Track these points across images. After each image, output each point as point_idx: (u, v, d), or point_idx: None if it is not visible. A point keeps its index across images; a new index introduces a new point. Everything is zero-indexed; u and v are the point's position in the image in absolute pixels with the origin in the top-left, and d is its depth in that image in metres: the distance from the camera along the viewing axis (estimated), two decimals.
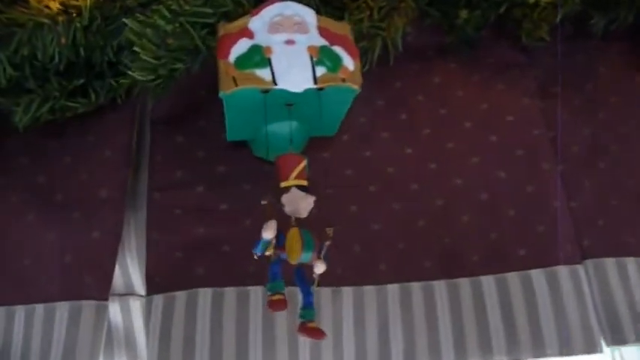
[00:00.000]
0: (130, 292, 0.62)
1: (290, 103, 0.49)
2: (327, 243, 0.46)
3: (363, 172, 0.62)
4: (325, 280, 0.48)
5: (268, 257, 0.47)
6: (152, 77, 0.50)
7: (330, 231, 0.46)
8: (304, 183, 0.47)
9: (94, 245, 0.55)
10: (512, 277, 0.56)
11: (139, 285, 0.62)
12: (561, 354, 0.53)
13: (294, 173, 0.46)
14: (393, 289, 0.57)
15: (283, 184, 0.46)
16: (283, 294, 0.45)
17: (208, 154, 0.61)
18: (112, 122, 0.61)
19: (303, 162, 0.46)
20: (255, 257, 0.46)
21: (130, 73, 0.49)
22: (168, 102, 0.63)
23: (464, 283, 0.57)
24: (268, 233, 0.44)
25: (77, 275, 0.54)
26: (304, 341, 0.54)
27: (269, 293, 0.45)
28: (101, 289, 0.54)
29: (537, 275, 0.56)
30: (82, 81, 0.56)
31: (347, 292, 0.57)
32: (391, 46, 0.61)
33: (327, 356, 0.55)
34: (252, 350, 0.53)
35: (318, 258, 0.45)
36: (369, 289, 0.57)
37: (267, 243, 0.45)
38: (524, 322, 0.55)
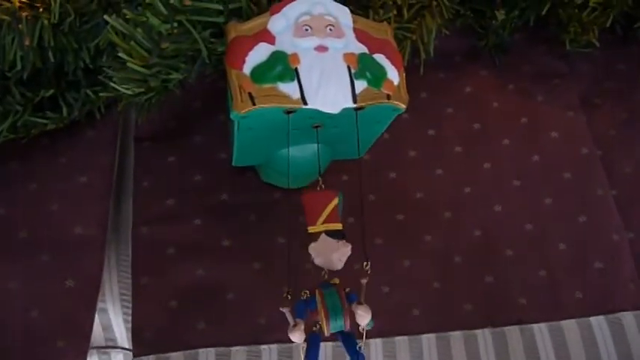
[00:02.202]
0: (111, 345, 0.52)
1: (318, 124, 0.39)
2: (364, 281, 0.36)
3: (388, 198, 0.53)
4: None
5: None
6: (141, 90, 0.40)
7: (367, 266, 0.37)
8: (338, 227, 0.37)
9: (67, 297, 0.45)
10: (570, 325, 0.48)
11: (123, 337, 0.51)
12: None
13: (323, 216, 0.36)
14: (429, 339, 0.49)
15: (311, 230, 0.37)
16: None
17: (206, 179, 0.51)
18: (88, 141, 0.50)
19: (334, 200, 0.37)
20: None
21: (112, 85, 0.39)
22: (156, 114, 0.52)
23: (512, 332, 0.49)
24: (296, 338, 0.36)
25: (46, 337, 0.44)
26: None
27: None
28: (77, 354, 0.44)
29: (599, 323, 0.48)
30: (51, 92, 0.46)
31: (375, 344, 0.48)
32: (423, 52, 0.52)
33: None
34: None
35: (359, 304, 0.36)
36: (402, 340, 0.49)
37: None
38: None
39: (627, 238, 0.52)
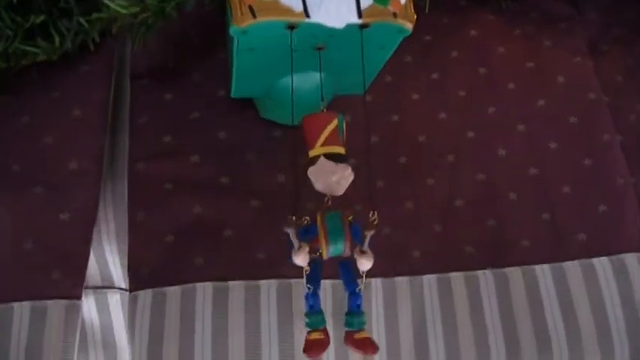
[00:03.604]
0: (107, 285, 0.51)
1: (321, 46, 0.38)
2: (371, 233, 0.35)
3: (391, 140, 0.52)
4: None
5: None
6: (136, 10, 0.38)
7: (373, 217, 0.36)
8: (338, 150, 0.36)
9: (62, 230, 0.44)
10: (572, 267, 0.48)
11: (120, 277, 0.50)
12: (633, 356, 0.45)
13: (322, 138, 0.35)
14: (429, 280, 0.48)
15: (311, 154, 0.36)
16: (325, 330, 0.35)
17: (205, 116, 0.50)
18: (82, 74, 0.48)
19: (332, 121, 0.36)
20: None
21: (107, 2, 0.37)
22: (152, 50, 0.51)
23: (514, 273, 0.48)
24: (300, 263, 0.35)
25: (41, 268, 0.42)
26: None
27: (307, 329, 0.36)
28: (72, 286, 0.43)
29: (601, 264, 0.48)
30: (41, 18, 0.44)
31: (376, 284, 0.47)
32: None
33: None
34: (266, 354, 0.43)
35: (361, 252, 0.35)
36: (402, 281, 0.48)
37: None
38: (588, 318, 0.46)
39: (632, 182, 0.51)
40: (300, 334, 0.43)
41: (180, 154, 0.48)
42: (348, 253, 0.36)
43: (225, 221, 0.46)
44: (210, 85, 0.51)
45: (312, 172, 0.36)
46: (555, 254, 0.48)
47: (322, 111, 0.38)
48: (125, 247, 0.47)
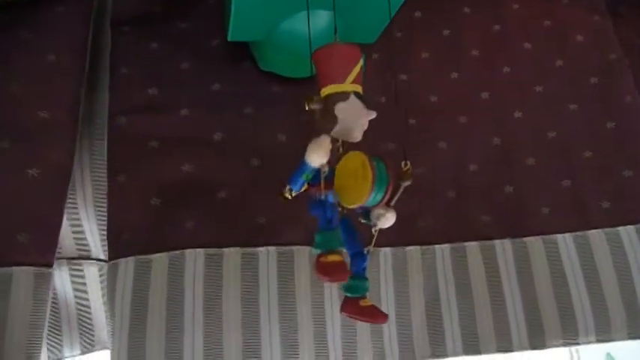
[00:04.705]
0: (84, 256, 0.45)
1: None
2: (407, 184, 0.31)
3: (400, 101, 0.47)
4: None
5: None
6: None
7: (407, 167, 0.31)
8: (359, 89, 0.31)
9: (30, 187, 0.38)
10: (597, 236, 0.44)
11: (98, 247, 0.45)
12: None
13: (353, 74, 0.31)
14: (442, 250, 0.44)
15: (328, 90, 0.31)
16: (341, 253, 0.30)
17: (196, 66, 0.45)
18: (57, 15, 0.43)
19: (360, 58, 0.31)
20: (289, 197, 0.31)
21: None
22: None
23: (534, 243, 0.44)
24: (318, 156, 0.29)
25: (4, 231, 0.37)
26: (335, 317, 0.40)
27: (318, 251, 0.30)
28: (42, 251, 0.37)
29: (627, 233, 0.44)
30: None
31: (385, 253, 0.43)
32: None
33: (362, 335, 0.41)
34: (266, 331, 0.39)
35: (388, 206, 0.31)
36: (413, 250, 0.44)
37: (312, 172, 0.30)
38: (614, 290, 0.43)
39: None
40: (304, 299, 0.39)
41: (168, 107, 0.43)
42: (386, 203, 0.31)
43: (219, 182, 0.42)
44: (202, 33, 0.46)
45: (342, 109, 0.30)
46: (578, 223, 0.45)
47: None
48: (104, 214, 0.42)
